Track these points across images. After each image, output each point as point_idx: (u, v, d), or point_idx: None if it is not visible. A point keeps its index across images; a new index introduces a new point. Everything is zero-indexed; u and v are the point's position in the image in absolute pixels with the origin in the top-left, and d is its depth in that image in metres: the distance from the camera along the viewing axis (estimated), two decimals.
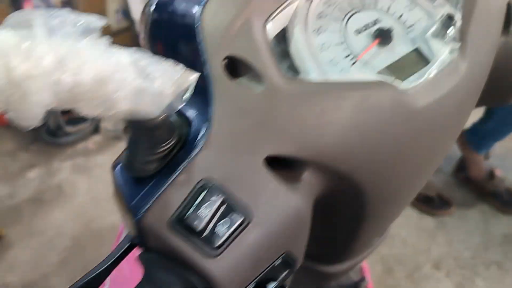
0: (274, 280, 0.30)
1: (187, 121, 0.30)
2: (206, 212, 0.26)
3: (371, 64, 0.35)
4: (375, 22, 0.37)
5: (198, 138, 0.29)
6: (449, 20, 0.37)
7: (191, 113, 0.31)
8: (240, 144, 0.29)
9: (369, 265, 1.68)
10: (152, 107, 0.25)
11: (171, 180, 0.27)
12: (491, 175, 1.89)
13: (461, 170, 1.97)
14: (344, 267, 0.47)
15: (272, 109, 0.30)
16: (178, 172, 0.27)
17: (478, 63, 0.38)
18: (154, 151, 0.28)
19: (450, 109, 0.36)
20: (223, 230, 0.27)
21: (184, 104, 0.30)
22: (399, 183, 0.37)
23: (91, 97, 0.23)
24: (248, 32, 0.31)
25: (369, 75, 0.34)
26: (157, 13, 0.35)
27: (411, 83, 0.35)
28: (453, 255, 1.70)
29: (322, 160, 0.31)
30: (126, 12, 2.59)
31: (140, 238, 0.28)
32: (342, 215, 0.39)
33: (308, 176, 0.32)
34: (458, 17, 0.38)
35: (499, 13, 0.41)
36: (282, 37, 0.34)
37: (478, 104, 0.51)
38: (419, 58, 0.36)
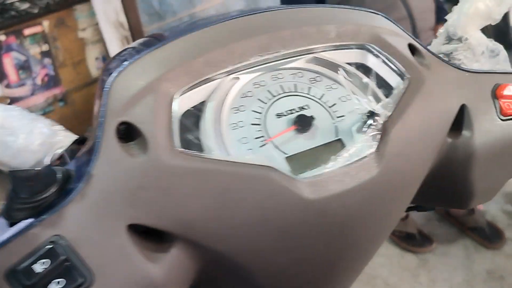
0: None
1: (71, 177, 0.31)
2: (40, 268, 0.27)
3: (284, 148, 0.35)
4: (301, 108, 0.37)
5: (71, 195, 0.29)
6: (371, 117, 0.36)
7: (78, 170, 0.32)
8: (106, 207, 0.30)
9: None
10: (16, 160, 0.28)
11: (20, 230, 0.28)
12: (471, 209, 1.87)
13: None
14: None
15: (145, 179, 0.30)
16: (36, 223, 0.28)
17: (402, 162, 0.37)
18: (26, 200, 0.29)
19: (357, 205, 0.35)
20: None
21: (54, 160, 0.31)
22: (289, 267, 0.36)
23: None
24: (149, 102, 0.32)
25: (262, 159, 0.33)
26: (102, 75, 0.38)
27: (315, 173, 0.34)
28: None
29: (191, 236, 0.31)
30: (106, 59, 2.63)
31: None
32: None
33: (178, 250, 0.32)
34: (383, 115, 0.37)
35: (443, 114, 0.40)
36: (199, 111, 0.35)
37: (434, 205, 0.51)
38: (336, 150, 0.36)
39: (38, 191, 0.29)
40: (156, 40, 0.38)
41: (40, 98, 2.17)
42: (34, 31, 2.16)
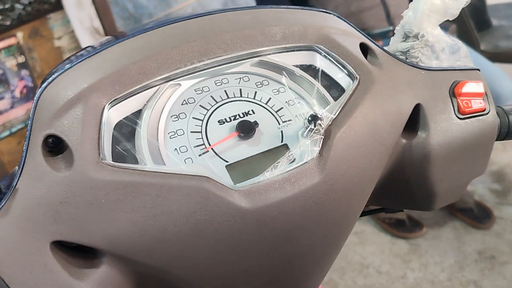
0: None
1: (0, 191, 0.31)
2: None
3: (225, 156, 0.34)
4: (245, 114, 0.36)
5: None
6: (313, 121, 0.35)
7: (8, 185, 0.31)
8: (29, 222, 0.29)
9: None
10: None
11: None
12: None
13: None
14: None
15: (68, 194, 0.30)
16: None
17: (348, 166, 0.35)
18: None
19: (298, 213, 0.34)
20: None
21: None
22: (232, 279, 0.35)
23: None
24: (77, 113, 0.31)
25: (198, 169, 0.32)
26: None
27: (254, 182, 0.33)
28: (429, 279, 1.66)
29: (120, 252, 0.31)
30: None
31: None
32: None
33: (108, 265, 0.31)
34: (326, 118, 0.36)
35: (395, 115, 0.39)
36: (134, 121, 0.34)
37: (399, 207, 0.49)
38: (278, 156, 0.35)
39: None
40: (95, 48, 0.37)
41: (21, 111, 2.15)
42: (8, 43, 2.13)
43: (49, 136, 0.31)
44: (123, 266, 0.31)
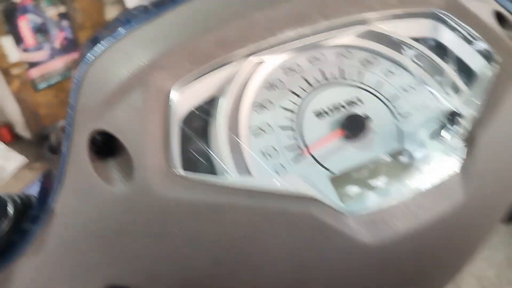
0: None
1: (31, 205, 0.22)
2: None
3: (328, 164, 0.24)
4: (350, 104, 0.26)
5: (27, 241, 0.20)
6: (453, 120, 0.25)
7: (41, 197, 0.22)
8: (71, 262, 0.20)
9: None
10: None
11: None
12: None
13: None
14: None
15: (129, 220, 0.20)
16: None
17: (496, 182, 0.26)
18: None
19: (432, 245, 0.24)
20: None
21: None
22: None
23: None
24: (135, 100, 0.22)
25: (300, 184, 0.22)
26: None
27: (373, 204, 0.23)
28: (476, 274, 1.55)
29: None
30: None
31: None
32: None
33: None
34: (468, 116, 0.26)
35: None
36: (208, 111, 0.24)
37: None
38: (401, 166, 0.25)
39: None
40: (151, 8, 0.27)
41: (59, 63, 2.10)
42: None
43: (95, 133, 0.22)
44: None
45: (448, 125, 0.25)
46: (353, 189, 0.24)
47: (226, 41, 0.25)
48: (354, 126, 0.26)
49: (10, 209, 0.21)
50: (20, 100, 2.00)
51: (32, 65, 2.12)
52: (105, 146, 0.22)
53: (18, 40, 2.04)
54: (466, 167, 0.25)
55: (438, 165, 0.25)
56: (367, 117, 0.26)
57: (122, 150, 0.22)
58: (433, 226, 0.24)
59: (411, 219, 0.23)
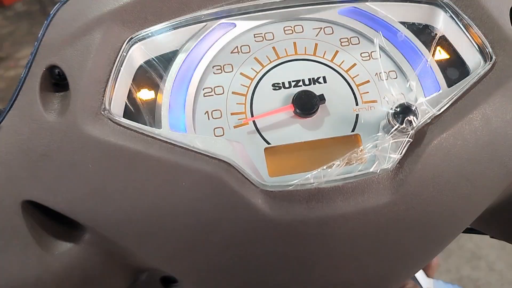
0: None
1: None
2: None
3: (268, 135, 0.25)
4: (313, 81, 0.26)
5: None
6: (403, 113, 0.24)
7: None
8: (3, 170, 0.24)
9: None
10: None
11: None
12: None
13: None
14: None
15: (53, 146, 0.23)
16: None
17: (442, 189, 0.24)
18: None
19: (351, 238, 0.24)
20: None
21: None
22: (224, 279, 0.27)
23: None
24: (89, 43, 0.24)
25: (225, 147, 0.24)
26: None
27: (296, 181, 0.24)
28: None
29: (101, 230, 0.24)
30: None
31: None
32: None
33: (88, 240, 0.25)
34: (424, 113, 0.24)
35: None
36: (164, 64, 0.26)
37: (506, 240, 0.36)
38: (341, 153, 0.24)
39: None
40: None
41: None
42: None
43: (54, 67, 0.25)
44: (107, 247, 0.25)
45: (397, 121, 0.24)
46: (284, 163, 0.25)
47: (195, 0, 0.26)
48: (304, 103, 0.25)
49: None
50: None
51: None
52: (63, 82, 0.25)
53: None
54: (402, 166, 0.24)
55: (376, 158, 0.24)
56: (322, 97, 0.26)
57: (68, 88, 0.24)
58: (349, 218, 0.23)
59: (328, 205, 0.23)
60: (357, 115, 0.26)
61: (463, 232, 0.41)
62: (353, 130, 0.26)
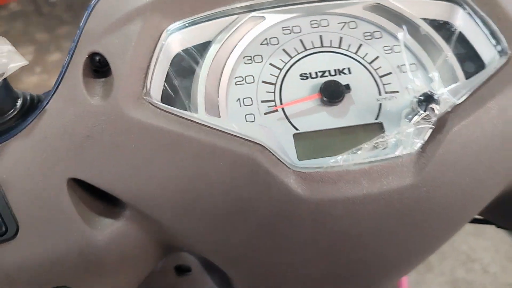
0: None
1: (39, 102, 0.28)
2: None
3: (297, 122, 0.27)
4: (338, 72, 0.28)
5: (17, 128, 0.26)
6: (426, 101, 0.25)
7: (47, 97, 0.27)
8: (50, 151, 0.25)
9: (437, 285, 1.52)
10: None
11: None
12: None
13: None
14: None
15: (96, 128, 0.25)
16: None
17: (458, 176, 0.26)
18: None
19: (369, 220, 0.25)
20: None
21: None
22: (270, 271, 0.29)
23: None
24: (130, 32, 0.26)
25: (257, 132, 0.25)
26: None
27: (324, 164, 0.25)
28: None
29: (143, 209, 0.26)
30: None
31: None
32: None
33: (128, 217, 0.26)
34: (445, 102, 0.26)
35: None
36: (198, 53, 0.28)
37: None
38: (367, 139, 0.26)
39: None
40: None
41: None
42: None
43: (95, 54, 0.26)
44: (146, 222, 0.26)
45: (421, 108, 0.26)
46: (312, 147, 0.26)
47: None
48: (331, 92, 0.27)
49: (19, 103, 0.27)
50: None
51: None
52: (103, 69, 0.26)
53: None
54: (425, 151, 0.25)
55: (400, 144, 0.26)
56: (347, 86, 0.27)
57: (110, 74, 0.26)
58: (374, 199, 0.25)
59: (354, 187, 0.25)
60: (380, 104, 0.28)
61: (473, 222, 0.42)
62: (376, 118, 0.27)
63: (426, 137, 0.25)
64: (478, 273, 1.53)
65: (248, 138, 0.25)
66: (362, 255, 0.27)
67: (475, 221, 0.42)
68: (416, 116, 0.25)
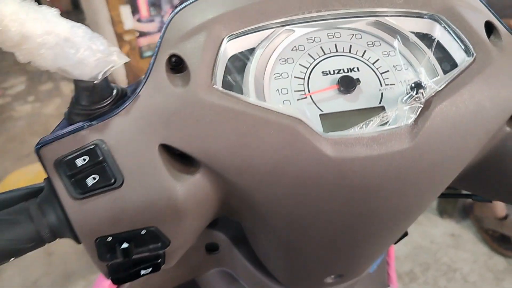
0: (141, 246, 0.35)
1: (125, 94, 0.36)
2: (81, 162, 0.32)
3: (321, 105, 0.36)
4: (350, 70, 0.38)
5: (119, 109, 0.34)
6: (416, 87, 0.35)
7: (132, 91, 0.36)
8: (145, 124, 0.34)
9: None
10: (76, 71, 0.31)
11: (72, 130, 0.33)
12: None
13: None
14: None
15: (181, 107, 0.33)
16: (86, 126, 0.33)
17: (440, 142, 0.35)
18: (84, 107, 0.34)
19: (380, 174, 0.34)
20: (90, 181, 0.32)
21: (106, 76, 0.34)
22: (304, 219, 0.37)
23: (16, 48, 0.29)
24: (200, 40, 0.35)
25: (295, 111, 0.34)
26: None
27: (343, 134, 0.34)
28: None
29: (213, 165, 0.34)
30: None
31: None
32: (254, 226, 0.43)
33: (202, 175, 0.35)
34: (430, 88, 0.35)
35: (505, 101, 0.37)
36: (246, 56, 0.37)
37: (488, 197, 0.47)
38: (374, 115, 0.35)
39: (95, 101, 0.34)
40: None
41: None
42: None
43: (173, 56, 0.35)
44: (214, 178, 0.35)
45: (413, 92, 0.36)
46: (334, 123, 0.36)
47: (267, 12, 0.37)
48: (346, 83, 0.36)
49: (114, 92, 0.35)
50: (127, 64, 2.24)
51: (142, 34, 2.37)
52: (178, 66, 0.36)
53: (134, 10, 2.30)
54: (417, 123, 0.35)
55: (398, 118, 0.35)
56: (358, 80, 0.37)
57: (185, 69, 0.35)
58: (381, 158, 0.33)
59: (367, 148, 0.34)
60: (382, 93, 0.37)
61: (455, 196, 0.52)
62: (379, 103, 0.37)
63: (417, 113, 0.35)
64: (459, 282, 1.62)
65: (290, 115, 0.34)
66: (373, 203, 0.36)
67: (457, 195, 0.51)
68: (410, 98, 0.35)
